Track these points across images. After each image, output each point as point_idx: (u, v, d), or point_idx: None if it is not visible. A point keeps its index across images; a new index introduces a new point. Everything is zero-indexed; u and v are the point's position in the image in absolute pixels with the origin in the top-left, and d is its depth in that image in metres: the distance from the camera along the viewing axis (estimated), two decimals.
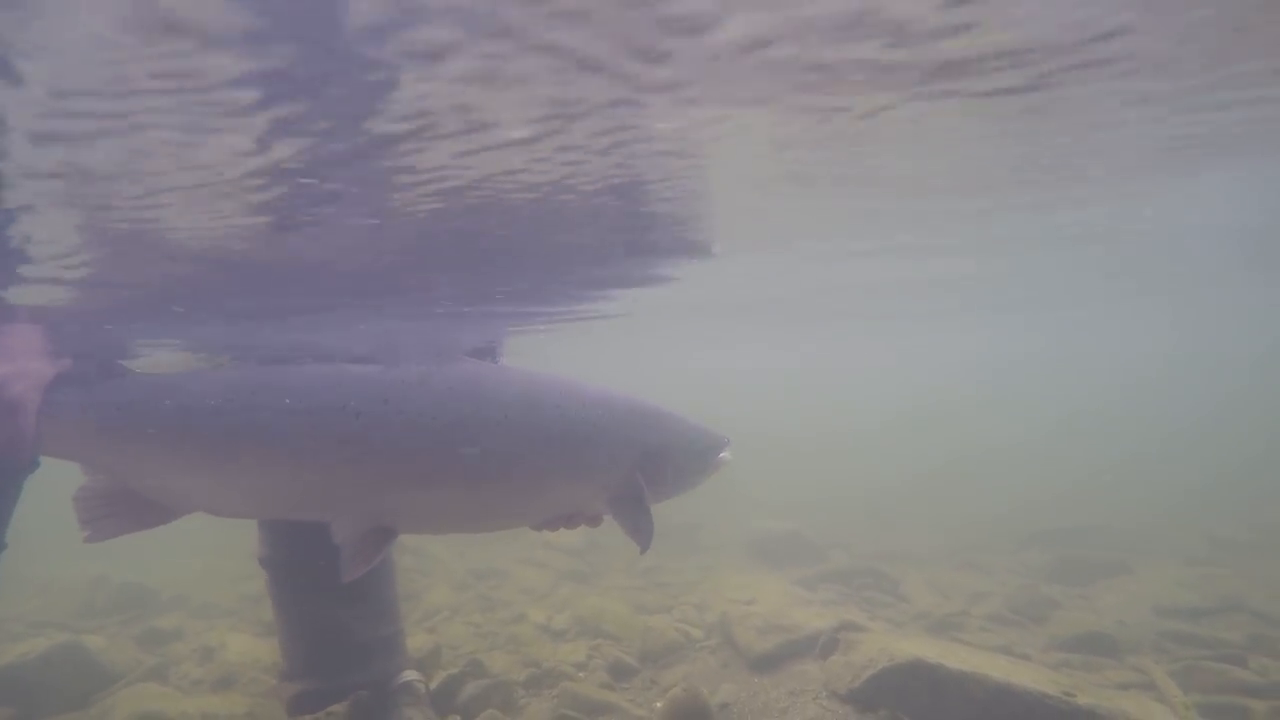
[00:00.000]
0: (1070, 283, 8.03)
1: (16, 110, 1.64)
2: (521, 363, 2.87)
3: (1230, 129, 2.76)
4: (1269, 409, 24.67)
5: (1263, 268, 7.63)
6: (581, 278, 4.43)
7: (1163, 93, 2.31)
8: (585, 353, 7.92)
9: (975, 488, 11.35)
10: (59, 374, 2.37)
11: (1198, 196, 4.00)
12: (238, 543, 3.68)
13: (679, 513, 5.22)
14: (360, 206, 2.52)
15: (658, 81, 1.82)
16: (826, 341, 14.72)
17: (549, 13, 1.45)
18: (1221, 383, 29.34)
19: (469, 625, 4.89)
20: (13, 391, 2.22)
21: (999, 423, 23.61)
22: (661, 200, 2.94)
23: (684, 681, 3.83)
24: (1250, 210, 4.73)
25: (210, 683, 4.02)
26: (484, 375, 2.53)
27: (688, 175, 2.67)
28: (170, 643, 4.86)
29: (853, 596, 5.67)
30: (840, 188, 3.20)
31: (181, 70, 1.51)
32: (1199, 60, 2.07)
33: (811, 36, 1.67)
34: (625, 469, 2.51)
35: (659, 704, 3.58)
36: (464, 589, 5.84)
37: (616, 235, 3.50)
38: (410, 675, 3.19)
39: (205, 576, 6.57)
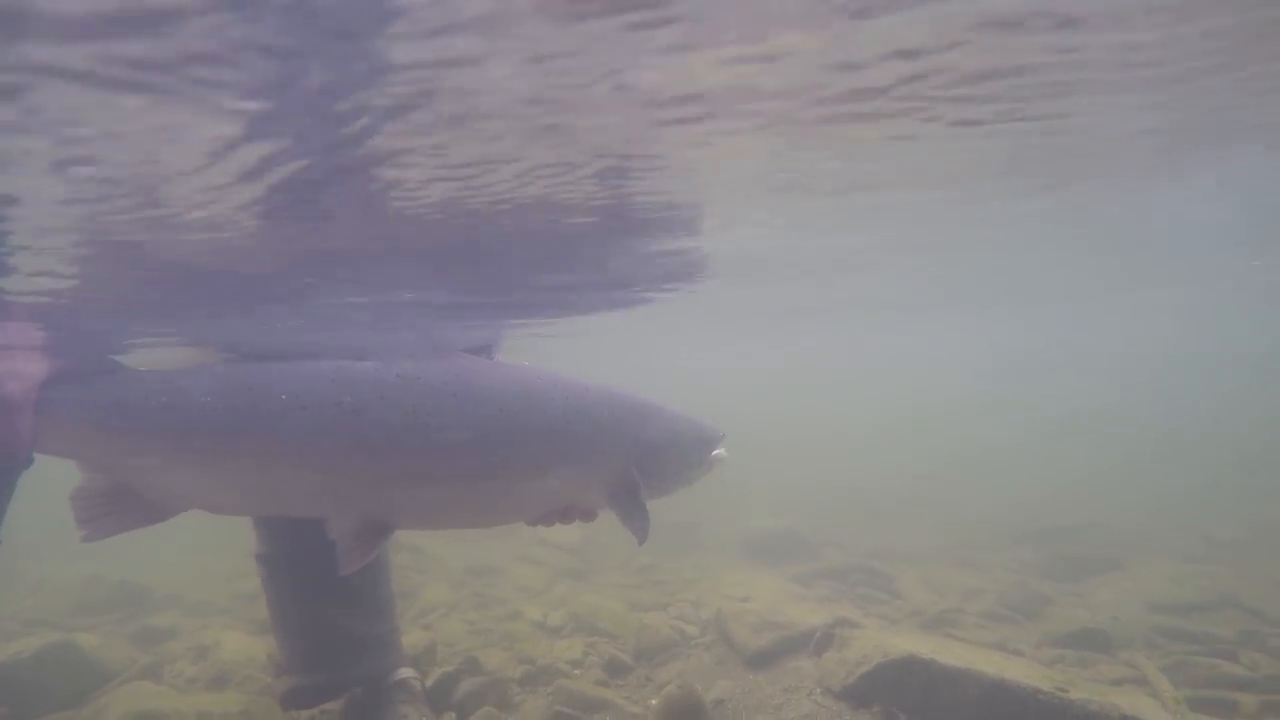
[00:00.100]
0: (1070, 282, 8.04)
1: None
2: (518, 359, 2.88)
3: (1232, 125, 2.75)
4: (1268, 408, 24.78)
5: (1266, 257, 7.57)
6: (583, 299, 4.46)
7: (1164, 89, 2.31)
8: (582, 350, 7.92)
9: (973, 487, 11.34)
10: (54, 371, 2.36)
11: (1198, 192, 4.01)
12: (232, 541, 3.67)
13: (677, 511, 5.22)
14: (351, 213, 2.51)
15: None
16: (825, 340, 14.71)
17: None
18: (1221, 382, 29.42)
19: (465, 622, 4.89)
20: (8, 389, 2.20)
21: (998, 422, 23.61)
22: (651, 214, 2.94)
23: (679, 678, 3.84)
24: (1252, 208, 4.73)
25: (205, 681, 4.00)
26: (480, 371, 2.53)
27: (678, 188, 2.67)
28: (164, 641, 4.84)
29: (848, 593, 5.69)
30: (834, 185, 3.20)
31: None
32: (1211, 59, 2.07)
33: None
34: (622, 464, 2.52)
35: (654, 701, 3.59)
36: (460, 586, 5.84)
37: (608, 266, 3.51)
38: (406, 672, 3.19)
39: (199, 575, 6.54)
